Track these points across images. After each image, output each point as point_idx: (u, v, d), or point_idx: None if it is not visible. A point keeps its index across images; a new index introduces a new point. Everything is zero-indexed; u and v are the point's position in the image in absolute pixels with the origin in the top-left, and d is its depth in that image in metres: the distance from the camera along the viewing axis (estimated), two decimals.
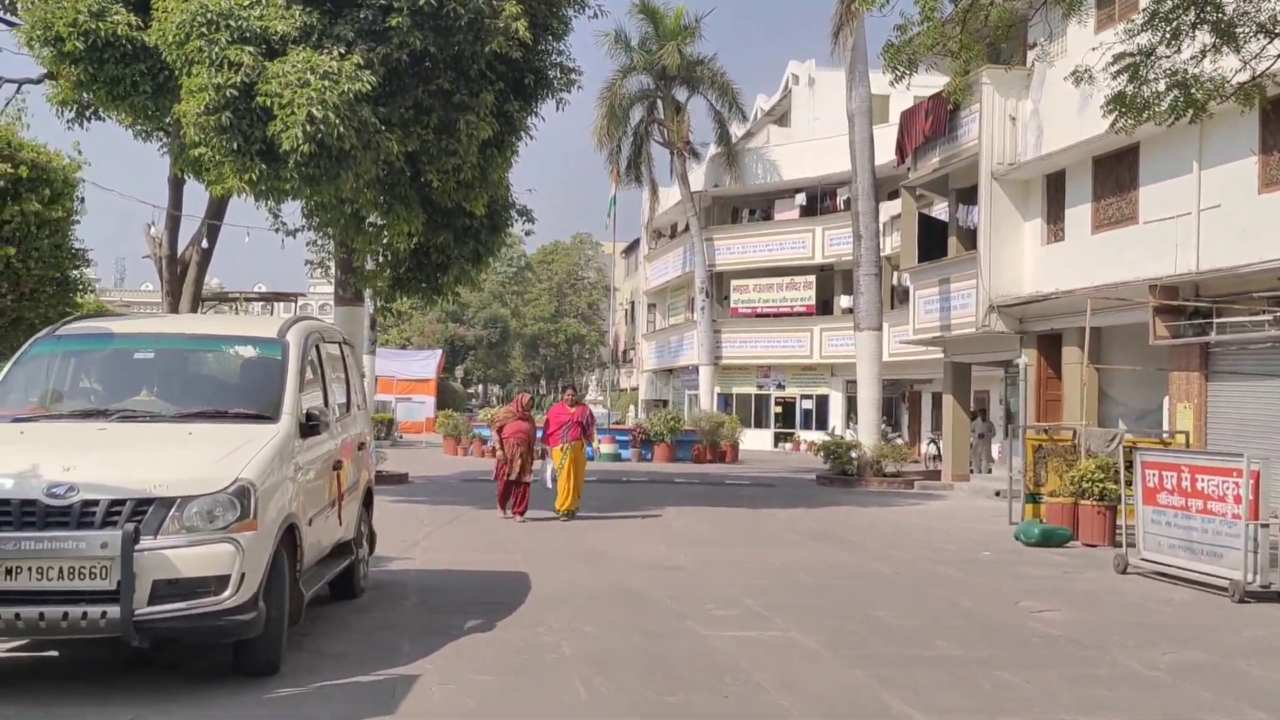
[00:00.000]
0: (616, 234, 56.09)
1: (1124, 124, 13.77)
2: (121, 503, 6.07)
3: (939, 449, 31.55)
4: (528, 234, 20.44)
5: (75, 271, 12.38)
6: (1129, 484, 13.90)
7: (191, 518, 6.14)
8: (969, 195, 27.40)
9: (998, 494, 23.09)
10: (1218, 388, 19.85)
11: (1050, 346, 24.88)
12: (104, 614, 5.89)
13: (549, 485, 16.18)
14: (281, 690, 6.36)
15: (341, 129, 14.17)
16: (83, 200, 12.54)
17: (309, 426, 7.33)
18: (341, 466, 8.17)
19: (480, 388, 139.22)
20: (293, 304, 21.13)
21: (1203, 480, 11.03)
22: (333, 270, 22.17)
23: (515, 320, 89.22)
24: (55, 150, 11.93)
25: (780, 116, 54.97)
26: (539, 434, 16.10)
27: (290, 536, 6.87)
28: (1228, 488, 10.64)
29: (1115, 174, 22.55)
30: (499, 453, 15.79)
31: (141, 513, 6.08)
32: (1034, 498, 15.61)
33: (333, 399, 8.34)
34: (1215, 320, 19.31)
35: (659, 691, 6.48)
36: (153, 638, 6.13)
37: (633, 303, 67.67)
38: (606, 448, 32.41)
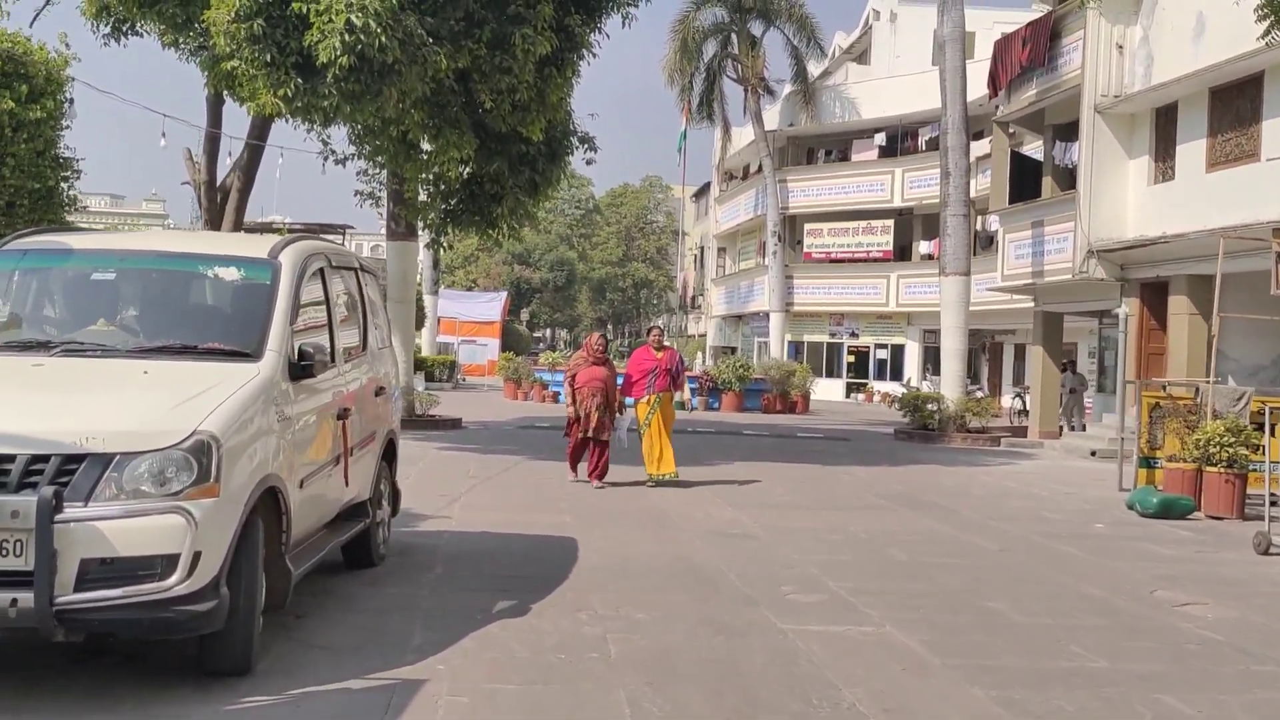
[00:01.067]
0: (686, 176, 54.57)
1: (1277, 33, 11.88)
2: (44, 459, 4.74)
3: (1025, 404, 29.71)
4: (588, 163, 18.27)
5: (62, 183, 10.93)
6: (1260, 449, 12.22)
7: (134, 480, 4.79)
8: (1067, 131, 25.36)
9: (1093, 454, 21.38)
10: None
11: (1154, 296, 22.92)
12: (14, 601, 4.57)
13: (625, 444, 13.73)
14: (249, 699, 5.02)
15: (384, 39, 12.77)
16: (71, 102, 11.14)
17: (302, 367, 5.94)
18: (348, 415, 6.80)
19: (547, 332, 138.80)
20: (341, 237, 19.79)
21: None
22: (385, 202, 20.77)
23: (582, 264, 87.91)
24: (39, 43, 10.53)
25: (860, 54, 52.63)
26: (619, 383, 14.05)
27: (272, 502, 5.52)
28: None
29: (1235, 106, 20.46)
30: (570, 408, 12.99)
31: (69, 472, 4.74)
32: (1148, 462, 13.92)
33: (340, 336, 6.94)
34: None
35: (727, 718, 5.05)
36: (82, 631, 4.82)
37: (702, 248, 65.95)
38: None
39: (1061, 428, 25.23)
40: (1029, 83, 25.64)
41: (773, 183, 44.92)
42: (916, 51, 46.83)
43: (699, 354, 57.57)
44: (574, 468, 13.48)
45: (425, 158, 16.43)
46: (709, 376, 31.96)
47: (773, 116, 47.19)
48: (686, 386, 14.55)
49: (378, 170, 18.48)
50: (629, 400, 13.45)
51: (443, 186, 17.61)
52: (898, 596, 7.67)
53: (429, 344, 43.69)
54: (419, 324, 41.98)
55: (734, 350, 52.33)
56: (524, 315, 69.17)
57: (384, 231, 21.49)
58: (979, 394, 33.43)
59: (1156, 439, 13.82)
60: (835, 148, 47.43)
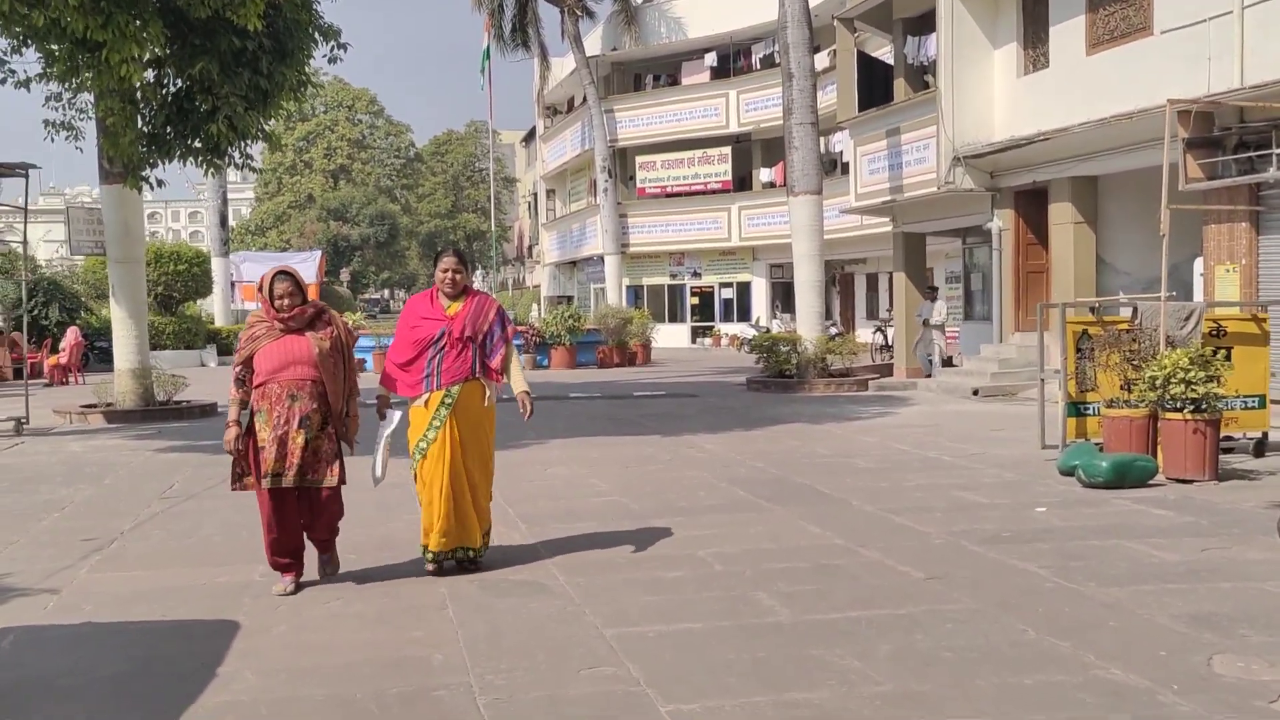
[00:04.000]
0: (513, 119, 50.39)
1: None
2: None
3: (887, 338, 26.78)
4: (332, 61, 13.88)
5: None
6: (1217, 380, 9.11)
7: None
8: (920, 25, 22.14)
9: (976, 393, 18.37)
10: (1273, 243, 15.07)
11: (1031, 205, 19.99)
12: None
13: (380, 476, 6.62)
14: None
15: None
16: None
17: None
18: None
19: (385, 293, 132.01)
20: (23, 181, 15.26)
21: None
22: (90, 135, 16.18)
23: (407, 217, 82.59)
24: None
25: None
26: (366, 366, 7.85)
27: None
28: None
29: None
30: (232, 427, 6.33)
31: None
32: (1078, 409, 10.69)
33: None
34: (1275, 152, 14.45)
35: None
36: None
37: (535, 194, 61.81)
38: None
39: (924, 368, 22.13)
40: None
41: (598, 113, 41.11)
42: None
43: (534, 306, 53.65)
44: (283, 569, 6.46)
45: (101, 61, 12.01)
46: (535, 331, 28.09)
47: (594, 42, 43.31)
48: (516, 366, 6.69)
49: (72, 93, 13.89)
50: (395, 399, 6.67)
51: (139, 104, 13.22)
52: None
53: (222, 313, 38.66)
54: (205, 290, 36.98)
55: (570, 300, 48.58)
56: (344, 276, 63.83)
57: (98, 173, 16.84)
58: (833, 330, 30.36)
59: (1087, 377, 10.56)
60: (664, 72, 43.81)
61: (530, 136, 63.18)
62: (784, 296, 40.79)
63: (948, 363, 24.17)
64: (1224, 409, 9.52)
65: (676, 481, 10.10)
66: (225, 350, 36.04)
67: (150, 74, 12.41)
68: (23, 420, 15.09)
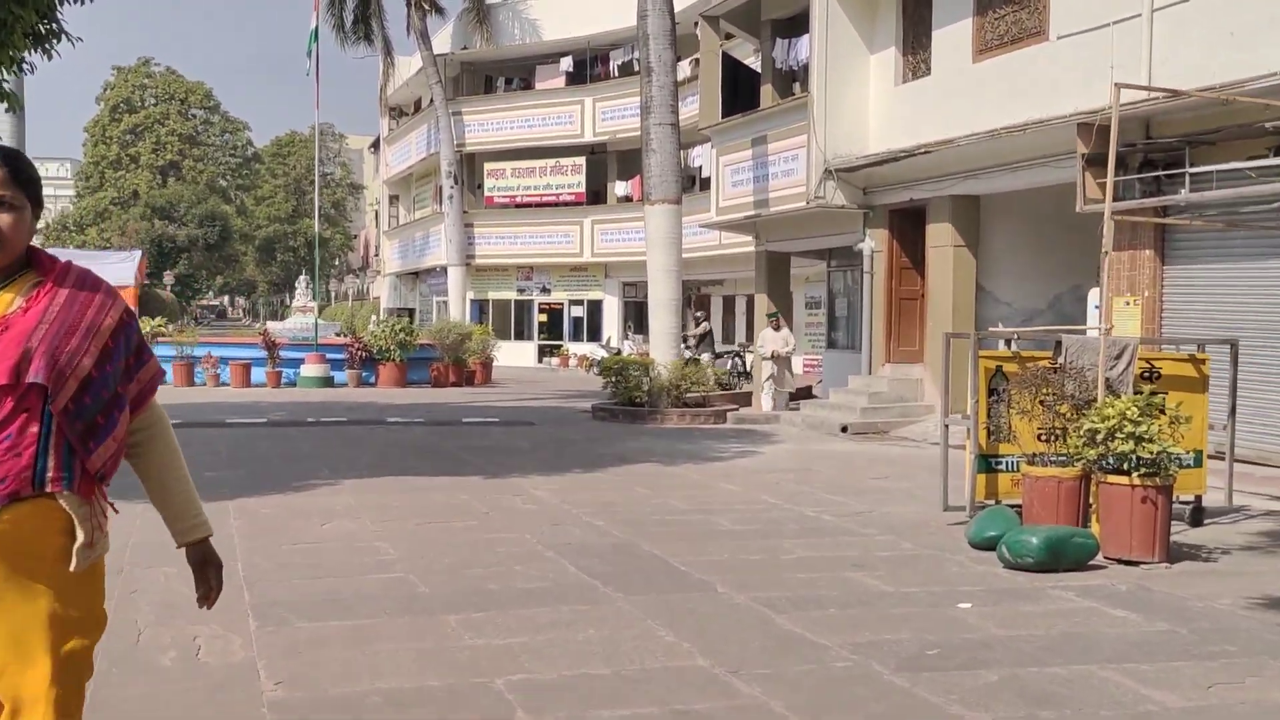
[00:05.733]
0: (359, 122, 47.28)
1: None
2: None
3: (745, 364, 24.93)
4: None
5: None
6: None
7: None
8: (791, 27, 20.41)
9: (844, 430, 16.51)
10: (1180, 274, 13.58)
11: (907, 225, 18.32)
12: None
13: None
14: None
15: None
16: None
17: None
18: None
19: (224, 299, 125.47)
20: None
21: None
22: None
23: (242, 220, 78.03)
24: None
25: None
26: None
27: None
28: None
29: None
30: None
31: None
32: (989, 463, 8.75)
33: None
34: (1187, 171, 12.95)
35: None
36: None
37: (380, 202, 58.65)
38: (314, 369, 24.36)
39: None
40: None
41: (445, 115, 38.52)
42: None
43: (373, 319, 50.54)
44: None
45: None
46: (360, 344, 25.34)
47: (444, 40, 40.76)
48: (176, 465, 2.91)
49: None
50: None
51: None
52: None
53: None
54: None
55: (411, 313, 45.71)
56: (168, 279, 59.44)
57: None
58: (689, 354, 28.49)
59: (1000, 425, 8.63)
60: (517, 75, 41.51)
61: (378, 143, 60.08)
62: (637, 317, 38.78)
63: (805, 394, 22.37)
64: (1177, 471, 7.66)
65: (489, 547, 7.76)
66: None
67: None
68: None
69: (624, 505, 9.63)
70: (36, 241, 2.78)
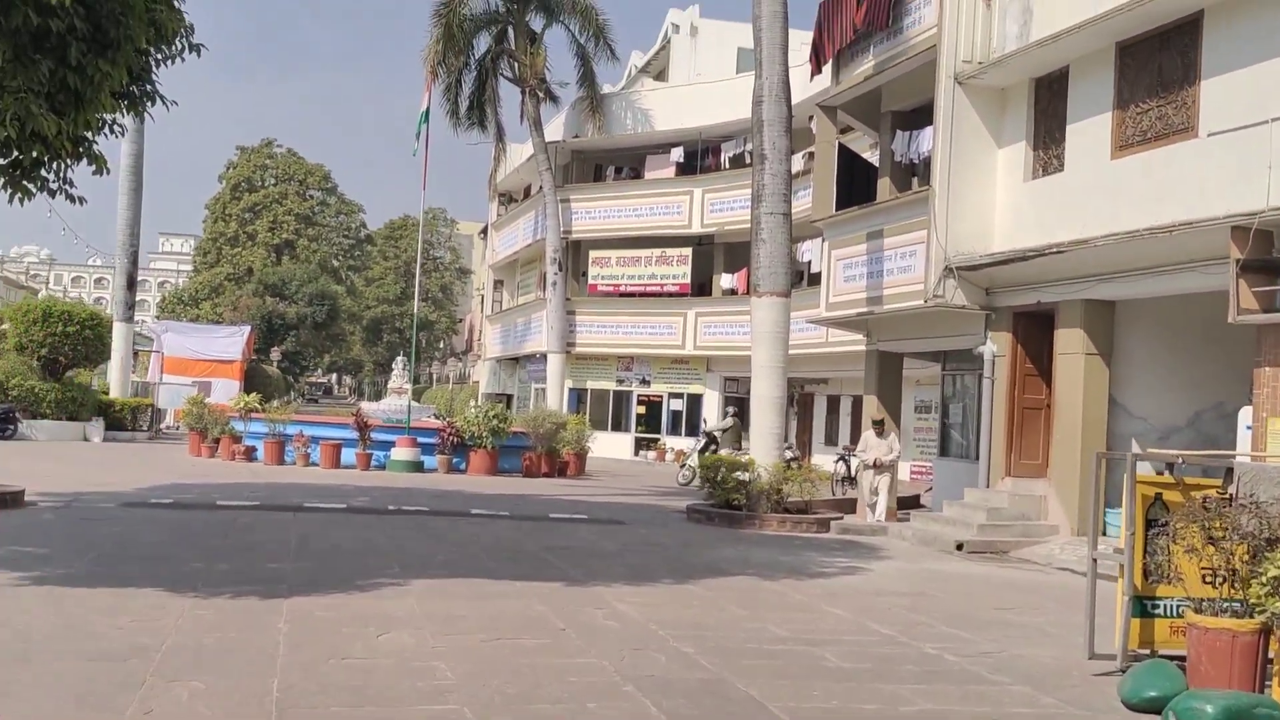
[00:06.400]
0: (470, 208, 47.72)
1: None
2: None
3: (850, 469, 23.66)
4: (168, 61, 10.61)
5: None
6: None
7: None
8: (912, 119, 19.54)
9: (960, 547, 15.20)
10: None
11: (1033, 329, 17.11)
12: None
13: None
14: None
15: None
16: None
17: None
18: None
19: (331, 378, 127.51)
20: None
21: None
22: None
23: (351, 300, 79.26)
24: None
25: (657, 73, 47.05)
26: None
27: None
28: None
29: (1156, 64, 14.81)
30: None
31: None
32: (1144, 606, 7.52)
33: None
34: None
35: None
36: None
37: (485, 286, 58.97)
38: (404, 453, 23.77)
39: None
40: (864, 54, 19.74)
41: (553, 202, 38.35)
42: (719, 68, 41.42)
43: (471, 402, 50.33)
44: None
45: None
46: (453, 429, 24.70)
47: (556, 128, 40.79)
48: None
49: None
50: None
51: None
52: None
53: (120, 384, 34.92)
54: (100, 357, 33.34)
55: (509, 399, 45.31)
56: (275, 355, 60.18)
57: None
58: (791, 456, 27.46)
59: (1159, 564, 7.41)
60: (626, 164, 41.23)
61: (487, 229, 60.58)
62: (738, 413, 37.73)
63: (913, 503, 21.05)
64: None
65: (561, 676, 6.76)
66: (115, 424, 32.37)
67: None
68: None
69: (716, 628, 8.56)
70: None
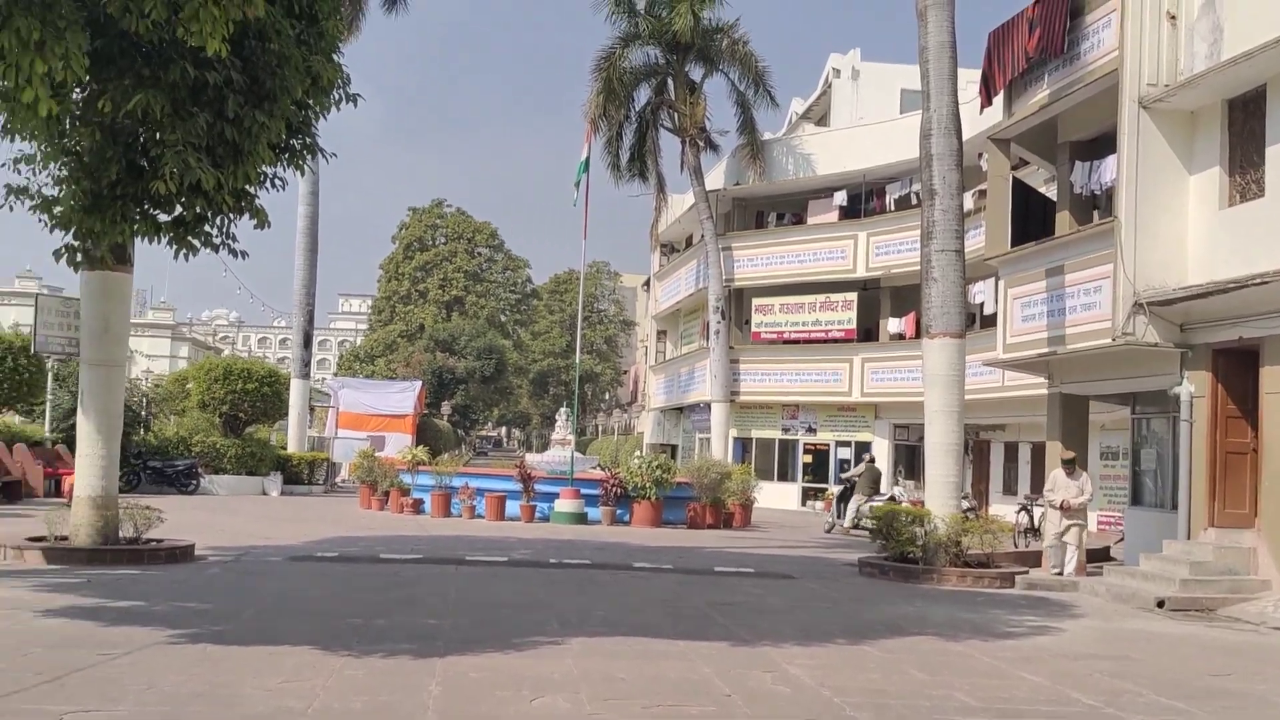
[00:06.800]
0: (631, 260, 47.88)
1: None
2: None
3: (1033, 519, 22.37)
4: (322, 111, 10.58)
5: None
6: None
7: None
8: (1093, 148, 18.49)
9: (1161, 604, 13.97)
10: None
11: (1235, 367, 15.79)
12: None
13: None
14: None
15: None
16: None
17: None
18: None
19: (502, 431, 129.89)
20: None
21: None
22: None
23: (518, 354, 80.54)
24: None
25: (819, 118, 46.39)
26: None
27: None
28: None
29: None
30: None
31: None
32: None
33: None
34: None
35: None
36: None
37: (649, 336, 59.04)
38: (567, 505, 23.56)
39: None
40: (1038, 82, 18.83)
41: (715, 250, 38.05)
42: (881, 112, 40.52)
43: (637, 453, 50.16)
44: None
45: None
46: (616, 481, 24.37)
47: (717, 176, 40.61)
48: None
49: (58, 152, 10.92)
50: None
51: (80, 152, 10.22)
52: None
53: (297, 439, 35.91)
54: (278, 413, 34.30)
55: (673, 449, 44.95)
56: (445, 409, 61.37)
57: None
58: (968, 506, 26.28)
59: None
60: (788, 210, 40.69)
61: (649, 282, 60.74)
62: (908, 461, 36.50)
63: (1103, 555, 19.67)
64: None
65: None
66: (293, 479, 33.24)
67: (57, 108, 9.25)
68: None
69: (897, 695, 7.84)
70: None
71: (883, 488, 33.08)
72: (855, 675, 8.50)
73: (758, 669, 8.50)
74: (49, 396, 28.53)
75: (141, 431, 31.71)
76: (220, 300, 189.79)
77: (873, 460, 28.88)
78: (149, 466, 29.46)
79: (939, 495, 16.77)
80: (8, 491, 23.49)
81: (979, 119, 21.33)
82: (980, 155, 23.49)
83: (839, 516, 26.65)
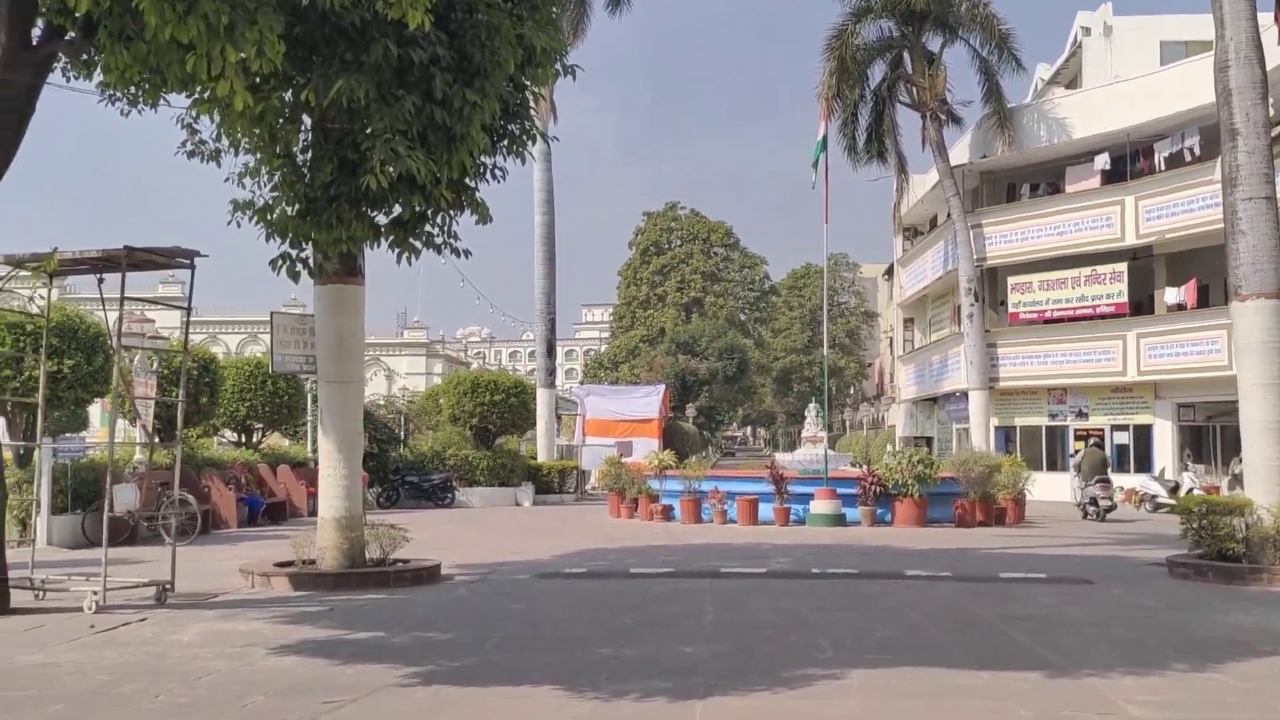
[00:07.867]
0: (873, 250, 46.01)
1: None
2: None
3: None
4: (538, 84, 9.58)
5: None
6: None
7: None
8: None
9: None
10: None
11: None
12: None
13: None
14: None
15: None
16: None
17: None
18: None
19: (747, 430, 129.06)
20: (188, 271, 11.91)
21: None
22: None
23: (759, 352, 79.32)
24: None
25: (1068, 82, 43.22)
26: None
27: None
28: None
29: None
30: None
31: None
32: None
33: None
34: None
35: None
36: None
37: (894, 328, 56.73)
38: (823, 506, 22.16)
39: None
40: None
41: (964, 229, 35.79)
42: (1139, 68, 37.13)
43: (888, 447, 48.02)
44: None
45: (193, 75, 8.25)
46: (875, 478, 22.74)
47: (961, 151, 38.28)
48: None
49: (272, 156, 10.47)
50: None
51: (293, 151, 9.63)
52: None
53: (545, 448, 35.84)
54: (526, 423, 34.22)
55: (929, 441, 42.67)
56: (690, 411, 60.77)
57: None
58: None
59: None
60: (1043, 180, 37.89)
61: (890, 270, 58.37)
62: (1194, 443, 33.15)
63: None
64: None
65: None
66: (544, 489, 33.11)
67: (253, 99, 8.55)
68: (167, 585, 11.62)
69: None
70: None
71: (1169, 474, 30.16)
72: (1218, 717, 6.81)
73: (1089, 711, 6.92)
74: (308, 417, 29.23)
75: (399, 448, 32.23)
76: (472, 318, 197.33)
77: (1097, 443, 27.23)
78: (406, 481, 29.90)
79: (1260, 482, 14.43)
80: (273, 513, 24.00)
81: (1276, 49, 18.67)
82: None
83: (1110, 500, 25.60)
